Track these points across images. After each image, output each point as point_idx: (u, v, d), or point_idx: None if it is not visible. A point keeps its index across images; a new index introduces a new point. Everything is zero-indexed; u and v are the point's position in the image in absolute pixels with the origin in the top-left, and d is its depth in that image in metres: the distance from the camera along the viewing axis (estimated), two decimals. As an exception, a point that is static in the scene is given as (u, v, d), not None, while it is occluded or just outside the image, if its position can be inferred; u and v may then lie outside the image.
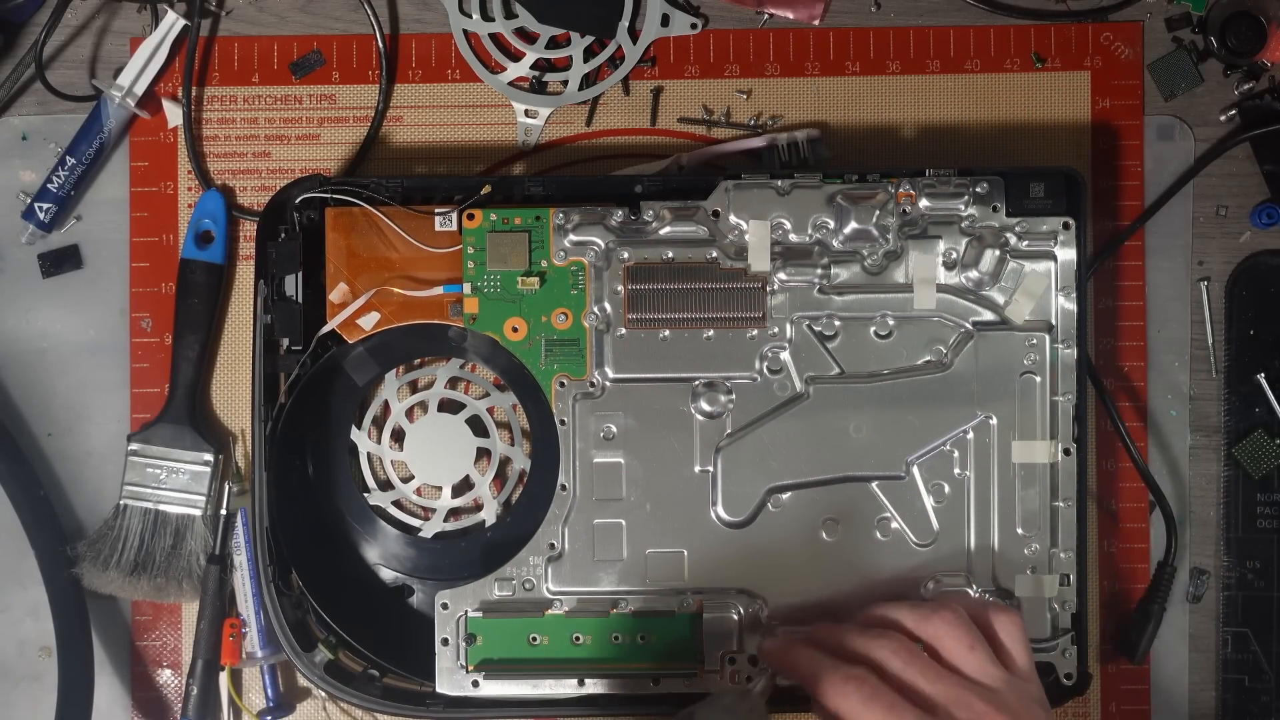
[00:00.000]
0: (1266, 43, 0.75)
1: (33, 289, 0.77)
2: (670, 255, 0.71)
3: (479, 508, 0.75)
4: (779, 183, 0.70)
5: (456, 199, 0.72)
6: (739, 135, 0.76)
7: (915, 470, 0.71)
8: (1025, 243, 0.71)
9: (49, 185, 0.76)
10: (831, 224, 0.70)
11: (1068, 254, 0.70)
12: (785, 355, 0.71)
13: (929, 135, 0.77)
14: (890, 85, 0.77)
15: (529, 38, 0.77)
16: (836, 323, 0.71)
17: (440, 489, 0.75)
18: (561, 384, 0.71)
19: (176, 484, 0.74)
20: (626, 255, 0.71)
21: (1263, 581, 0.76)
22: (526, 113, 0.77)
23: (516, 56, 0.77)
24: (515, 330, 0.71)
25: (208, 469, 0.74)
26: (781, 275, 0.70)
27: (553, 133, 0.77)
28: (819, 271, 0.70)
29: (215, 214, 0.75)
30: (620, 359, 0.71)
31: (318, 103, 0.77)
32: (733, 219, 0.70)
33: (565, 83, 0.77)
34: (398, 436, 0.75)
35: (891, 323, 0.71)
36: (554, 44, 0.77)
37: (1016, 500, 0.71)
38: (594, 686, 0.70)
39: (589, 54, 0.76)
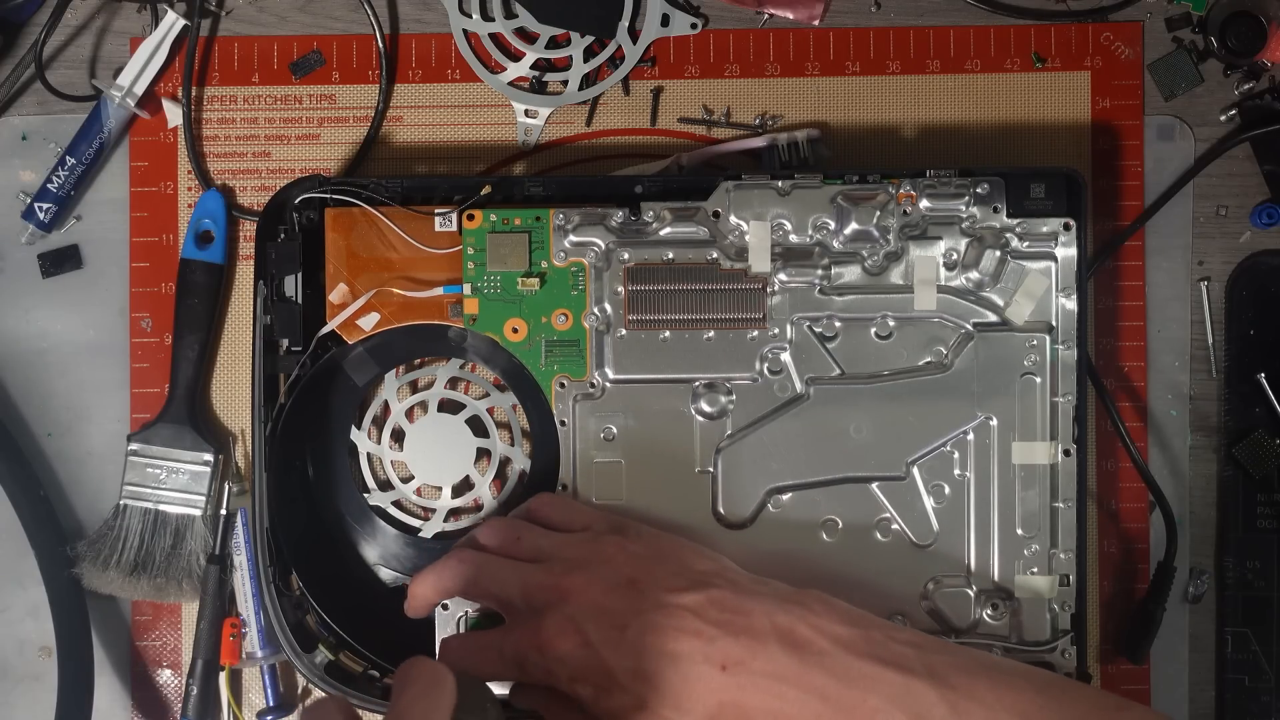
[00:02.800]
0: (1266, 43, 0.75)
1: (33, 289, 0.77)
2: (670, 256, 0.71)
3: (479, 508, 0.75)
4: (779, 183, 0.70)
5: (456, 199, 0.72)
6: (739, 135, 0.76)
7: (915, 471, 0.71)
8: (1026, 243, 0.70)
9: (49, 185, 0.76)
10: (832, 224, 0.70)
11: (1068, 254, 0.70)
12: (785, 356, 0.71)
13: (929, 135, 0.76)
14: (890, 85, 0.77)
15: (529, 38, 0.77)
16: (837, 323, 0.71)
17: (440, 489, 0.75)
18: (562, 385, 0.71)
19: (176, 484, 0.74)
20: (626, 256, 0.71)
21: (1263, 581, 0.76)
22: (526, 113, 0.77)
23: (516, 56, 0.77)
24: (515, 331, 0.71)
25: (208, 469, 0.74)
26: (782, 276, 0.70)
27: (553, 133, 0.77)
28: (819, 272, 0.70)
29: (215, 214, 0.75)
30: (620, 360, 0.71)
31: (318, 103, 0.77)
32: (733, 219, 0.70)
33: (565, 83, 0.77)
34: (398, 437, 0.75)
35: (892, 323, 0.71)
36: (554, 44, 0.77)
37: (1016, 501, 0.70)
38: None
39: (589, 54, 0.76)
